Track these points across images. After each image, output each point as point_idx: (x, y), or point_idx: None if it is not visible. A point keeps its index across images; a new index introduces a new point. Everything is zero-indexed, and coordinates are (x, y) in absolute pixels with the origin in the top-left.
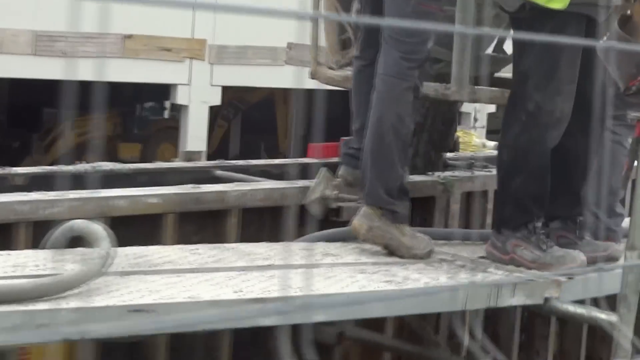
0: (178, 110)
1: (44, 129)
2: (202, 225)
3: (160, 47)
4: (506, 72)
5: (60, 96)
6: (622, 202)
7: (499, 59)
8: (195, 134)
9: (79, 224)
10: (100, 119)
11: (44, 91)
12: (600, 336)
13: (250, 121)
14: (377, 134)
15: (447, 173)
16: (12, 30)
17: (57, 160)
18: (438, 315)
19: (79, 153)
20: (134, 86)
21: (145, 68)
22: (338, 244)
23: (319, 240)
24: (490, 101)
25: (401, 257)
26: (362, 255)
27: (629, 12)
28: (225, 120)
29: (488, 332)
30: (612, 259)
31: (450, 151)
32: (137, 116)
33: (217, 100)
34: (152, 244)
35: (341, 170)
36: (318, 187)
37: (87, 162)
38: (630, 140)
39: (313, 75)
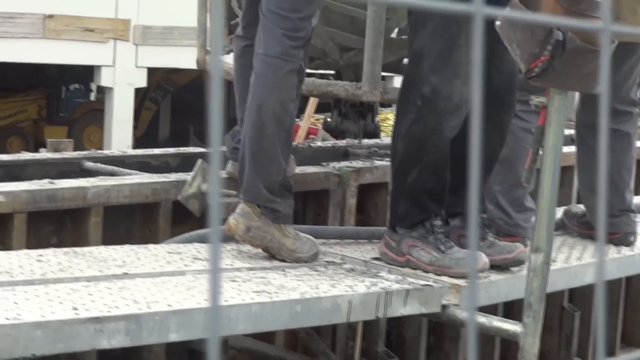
0: (103, 92)
1: None
2: (60, 225)
3: (83, 27)
4: None
5: None
6: (532, 195)
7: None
8: (121, 117)
9: None
10: (24, 101)
11: None
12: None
13: (180, 104)
14: (256, 123)
15: (344, 163)
16: None
17: None
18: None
19: (3, 137)
20: (58, 68)
21: (68, 49)
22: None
23: (191, 242)
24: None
25: (283, 260)
26: (238, 259)
27: None
28: (153, 102)
29: (392, 335)
30: (518, 261)
31: (370, 137)
32: (63, 98)
33: (142, 82)
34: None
35: (228, 166)
36: (195, 181)
37: (11, 146)
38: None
39: (200, 64)
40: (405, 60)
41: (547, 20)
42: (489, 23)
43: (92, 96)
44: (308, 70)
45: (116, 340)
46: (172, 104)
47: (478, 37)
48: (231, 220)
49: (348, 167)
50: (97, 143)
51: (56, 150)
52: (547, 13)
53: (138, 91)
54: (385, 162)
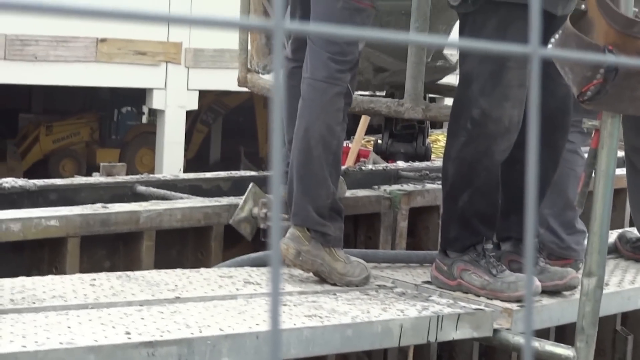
0: (155, 115)
1: (20, 134)
2: (113, 249)
3: (135, 50)
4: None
5: (35, 101)
6: (583, 218)
7: (440, 67)
8: (173, 139)
9: None
10: (77, 124)
11: (19, 96)
12: None
13: (230, 126)
14: (303, 146)
15: (395, 187)
16: None
17: (33, 166)
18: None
19: (56, 159)
20: (111, 91)
21: (120, 72)
22: (264, 269)
23: (242, 265)
24: (447, 118)
25: (333, 284)
26: (289, 283)
27: (583, 6)
28: (204, 125)
29: (443, 359)
30: (570, 287)
31: (421, 158)
32: (115, 121)
33: (194, 105)
34: (52, 274)
35: None
36: (246, 205)
37: (64, 169)
38: (583, 148)
39: (241, 83)
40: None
41: (599, 59)
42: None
43: (144, 119)
44: None
45: None
46: (222, 126)
47: (536, 77)
48: (282, 244)
49: (399, 190)
50: (148, 165)
51: (109, 174)
52: (600, 36)
53: (189, 114)
54: (437, 185)
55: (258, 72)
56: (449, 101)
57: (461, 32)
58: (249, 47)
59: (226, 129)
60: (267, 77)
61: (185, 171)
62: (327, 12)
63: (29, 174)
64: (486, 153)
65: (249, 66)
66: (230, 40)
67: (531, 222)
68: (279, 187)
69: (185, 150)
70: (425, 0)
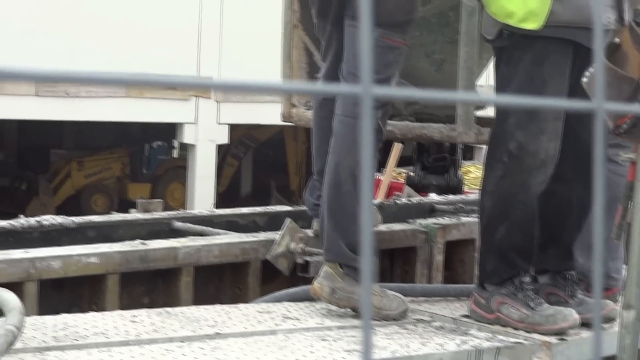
0: (186, 149)
1: (52, 170)
2: (151, 286)
3: (165, 86)
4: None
5: (66, 137)
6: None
7: None
8: (204, 174)
9: None
10: (109, 159)
11: (51, 132)
12: None
13: (261, 159)
14: (334, 182)
15: (431, 220)
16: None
17: (66, 202)
18: None
19: (88, 194)
20: (141, 125)
21: (151, 107)
22: (303, 304)
23: (280, 301)
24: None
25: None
26: (328, 317)
27: (617, 39)
28: (235, 158)
29: None
30: (608, 319)
31: (453, 192)
32: (146, 156)
33: (224, 139)
34: (92, 310)
35: (313, 224)
36: (283, 240)
37: (96, 204)
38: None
39: (286, 117)
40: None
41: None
42: (578, 82)
43: (175, 153)
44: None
45: None
46: (253, 160)
47: (600, 133)
48: (315, 284)
49: (435, 224)
50: (180, 199)
51: (146, 210)
52: (634, 69)
53: (220, 147)
54: (472, 219)
55: (299, 107)
56: None
57: (497, 66)
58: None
59: (257, 162)
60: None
61: (216, 205)
62: (359, 50)
63: (61, 209)
64: (523, 186)
65: (293, 101)
66: (259, 74)
67: (598, 252)
68: (369, 229)
69: (217, 184)
70: (473, 23)
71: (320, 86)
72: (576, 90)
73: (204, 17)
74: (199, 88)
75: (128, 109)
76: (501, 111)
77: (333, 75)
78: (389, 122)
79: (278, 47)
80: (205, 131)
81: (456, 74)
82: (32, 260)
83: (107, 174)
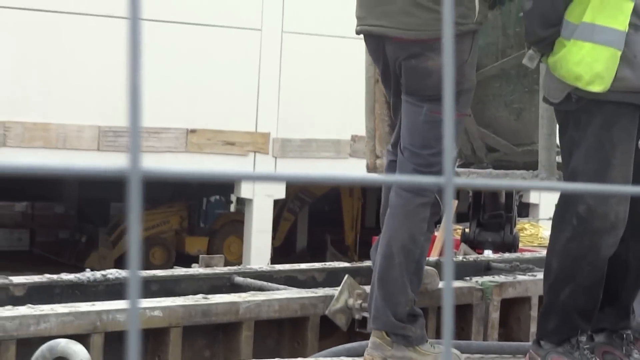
0: (243, 203)
1: (111, 223)
2: (213, 339)
3: (224, 141)
4: None
5: (126, 191)
6: None
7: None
8: (261, 228)
9: (61, 343)
10: (167, 213)
11: (111, 185)
12: None
13: (316, 214)
14: (386, 253)
15: (487, 278)
16: (77, 126)
17: (124, 254)
18: None
19: (146, 247)
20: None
21: (209, 162)
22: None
23: (338, 356)
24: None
25: None
26: None
27: None
28: (291, 213)
29: None
30: None
31: (508, 250)
32: (204, 210)
33: (281, 194)
34: None
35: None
36: (341, 296)
37: (154, 256)
38: None
39: (371, 169)
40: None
41: None
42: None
43: (232, 207)
44: None
45: None
46: (309, 214)
47: None
48: (366, 355)
49: (491, 281)
50: (236, 253)
51: (208, 265)
52: None
53: (277, 202)
54: (528, 277)
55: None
56: None
57: (564, 130)
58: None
59: (312, 217)
60: None
61: (272, 259)
62: (412, 124)
63: (119, 262)
64: (592, 248)
65: (377, 153)
66: (316, 130)
67: None
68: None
69: (273, 238)
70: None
71: (400, 177)
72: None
73: (262, 77)
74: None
75: (187, 164)
76: (571, 174)
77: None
78: (471, 170)
79: (331, 102)
80: (262, 186)
81: (534, 122)
82: (98, 313)
83: (165, 227)
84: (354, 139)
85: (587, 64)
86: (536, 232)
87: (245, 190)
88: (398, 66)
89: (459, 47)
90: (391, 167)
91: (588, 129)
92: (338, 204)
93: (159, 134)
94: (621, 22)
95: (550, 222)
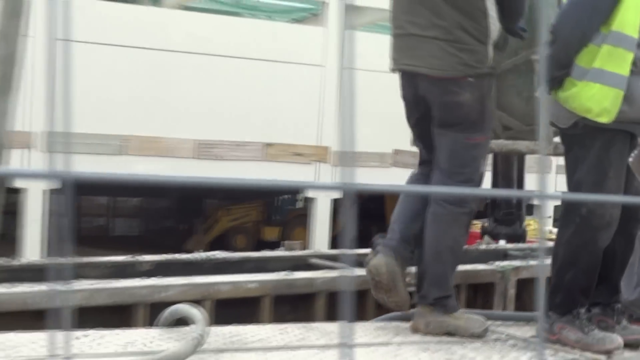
0: (308, 201)
1: (205, 215)
2: (294, 306)
3: (294, 152)
4: None
5: (217, 190)
6: None
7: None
8: (322, 220)
9: (182, 307)
10: (248, 207)
11: (208, 187)
12: None
13: (365, 210)
14: (435, 251)
15: (505, 262)
16: (179, 140)
17: (214, 240)
18: None
19: (232, 234)
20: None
21: (282, 169)
22: (409, 324)
23: (393, 320)
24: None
25: (461, 337)
26: (427, 337)
27: None
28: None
29: None
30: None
31: (518, 240)
32: (277, 206)
33: (338, 195)
34: (251, 324)
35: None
36: None
37: (236, 242)
38: None
39: None
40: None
41: None
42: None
43: (299, 204)
44: None
45: None
46: (359, 211)
47: None
48: (412, 324)
49: (509, 265)
50: (302, 240)
51: (290, 249)
52: None
53: (335, 201)
54: (537, 262)
55: None
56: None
57: (569, 149)
58: None
59: (362, 213)
60: None
61: (330, 245)
62: (450, 150)
63: (211, 246)
64: (591, 241)
65: None
66: (365, 145)
67: None
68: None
69: (331, 228)
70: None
71: (445, 188)
72: (629, 168)
73: (324, 102)
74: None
75: (265, 169)
76: (576, 184)
77: (425, 163)
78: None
79: (377, 122)
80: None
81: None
82: (208, 284)
83: (247, 219)
84: (396, 152)
85: (597, 100)
86: (531, 225)
87: (310, 191)
88: (432, 101)
89: (479, 84)
90: (415, 181)
91: (590, 150)
92: (382, 202)
93: (243, 146)
94: (624, 69)
95: (550, 220)
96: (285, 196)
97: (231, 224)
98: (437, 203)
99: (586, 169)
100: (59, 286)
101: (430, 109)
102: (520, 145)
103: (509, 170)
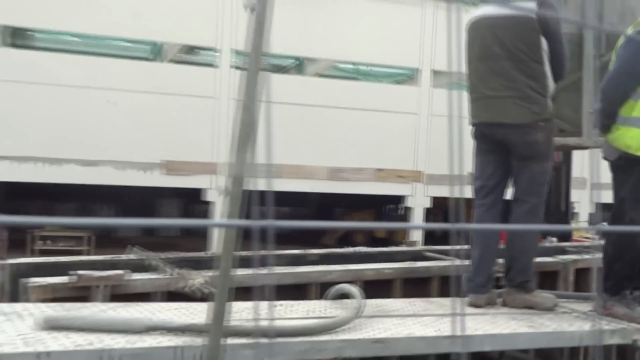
0: (408, 210)
1: (334, 219)
2: (417, 286)
3: (397, 175)
4: None
5: (343, 201)
6: None
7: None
8: (418, 223)
9: (344, 286)
10: (364, 213)
11: (335, 198)
12: None
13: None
14: (522, 249)
15: (566, 256)
16: (313, 167)
17: (341, 237)
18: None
19: (353, 233)
20: (382, 197)
21: (388, 187)
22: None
23: None
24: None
25: (538, 310)
26: (514, 310)
27: None
28: (435, 216)
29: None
30: None
31: (566, 239)
32: (384, 213)
33: (429, 205)
34: (387, 298)
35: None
36: None
37: (356, 239)
38: None
39: None
40: None
41: None
42: None
43: (401, 211)
44: None
45: (456, 349)
46: (443, 218)
47: None
48: (502, 299)
49: (569, 258)
50: (404, 239)
51: (410, 245)
52: None
53: (427, 210)
54: (590, 256)
55: None
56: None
57: (616, 176)
58: None
59: (445, 220)
60: None
61: (423, 242)
62: (530, 176)
63: (339, 241)
64: (632, 241)
65: None
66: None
67: None
68: None
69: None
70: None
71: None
72: None
73: (420, 136)
74: None
75: (377, 187)
76: (620, 199)
77: (497, 184)
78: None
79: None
80: (418, 200)
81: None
82: (358, 270)
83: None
84: (469, 175)
85: (636, 139)
86: (577, 232)
87: (409, 202)
88: (512, 142)
89: (546, 126)
90: (479, 192)
91: (632, 176)
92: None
93: (360, 171)
94: None
95: (586, 224)
96: (390, 206)
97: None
98: (518, 202)
99: (628, 189)
100: (262, 270)
101: (508, 149)
102: (570, 140)
103: (559, 187)
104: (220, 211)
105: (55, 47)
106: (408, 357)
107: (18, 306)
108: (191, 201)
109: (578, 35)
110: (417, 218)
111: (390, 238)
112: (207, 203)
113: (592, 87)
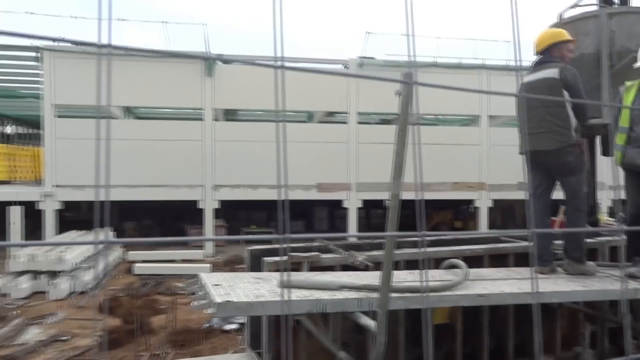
0: (476, 209)
1: (426, 215)
2: (499, 261)
3: (467, 186)
4: None
5: (433, 205)
6: None
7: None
8: (483, 218)
9: (453, 260)
10: (447, 212)
11: (427, 203)
12: None
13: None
14: (573, 235)
15: (602, 238)
16: (411, 184)
17: (431, 228)
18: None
19: (439, 225)
20: (455, 201)
21: (461, 194)
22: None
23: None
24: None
25: (587, 275)
26: (564, 273)
27: None
28: (494, 212)
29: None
30: None
31: (594, 225)
32: (460, 212)
33: (491, 204)
34: (479, 268)
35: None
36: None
37: (441, 230)
38: None
39: None
40: None
41: None
42: None
43: (472, 209)
44: None
45: (528, 300)
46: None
47: None
48: (563, 267)
49: (605, 239)
50: (474, 228)
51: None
52: None
53: (490, 209)
54: (617, 237)
55: None
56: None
57: (632, 180)
58: None
59: (504, 216)
60: None
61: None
62: (571, 186)
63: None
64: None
65: None
66: (509, 177)
67: None
68: None
69: (488, 222)
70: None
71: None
72: None
73: (482, 159)
74: None
75: (454, 194)
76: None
77: (543, 191)
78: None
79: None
80: (483, 202)
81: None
82: (458, 250)
83: (447, 217)
84: (519, 184)
85: None
86: (601, 218)
87: (477, 203)
88: (551, 163)
89: (574, 149)
90: (538, 197)
91: None
92: (512, 207)
93: (442, 184)
94: None
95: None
96: (463, 207)
97: (439, 219)
98: (572, 210)
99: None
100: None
101: (549, 168)
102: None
103: (589, 188)
104: (353, 214)
105: (254, 119)
106: (495, 307)
107: (263, 274)
108: (334, 208)
109: (596, 53)
110: (483, 214)
111: (465, 227)
112: (344, 209)
113: (608, 85)
